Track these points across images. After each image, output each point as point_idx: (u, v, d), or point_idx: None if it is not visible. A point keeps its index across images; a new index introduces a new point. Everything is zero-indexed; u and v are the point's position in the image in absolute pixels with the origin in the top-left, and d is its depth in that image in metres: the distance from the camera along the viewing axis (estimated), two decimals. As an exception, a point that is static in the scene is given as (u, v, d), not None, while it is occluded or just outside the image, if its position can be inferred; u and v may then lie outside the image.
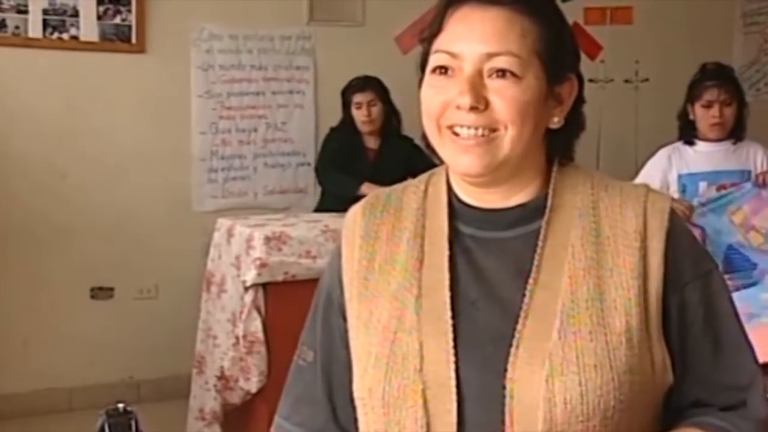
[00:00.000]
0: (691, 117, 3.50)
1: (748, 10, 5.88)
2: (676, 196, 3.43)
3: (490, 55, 1.08)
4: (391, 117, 4.37)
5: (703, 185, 3.46)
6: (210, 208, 4.64)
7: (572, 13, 5.12)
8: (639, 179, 3.38)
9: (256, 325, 3.58)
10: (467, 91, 1.07)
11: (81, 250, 4.48)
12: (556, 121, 1.14)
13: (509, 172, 1.12)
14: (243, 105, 4.89)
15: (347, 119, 4.38)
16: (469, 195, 1.17)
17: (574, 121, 1.17)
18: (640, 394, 1.07)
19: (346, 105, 4.36)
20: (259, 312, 3.59)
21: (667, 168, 3.50)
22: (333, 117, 5.01)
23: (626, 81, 5.30)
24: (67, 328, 4.51)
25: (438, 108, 1.11)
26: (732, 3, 5.89)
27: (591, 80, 5.14)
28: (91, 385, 4.43)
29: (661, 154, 3.56)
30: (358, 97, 4.32)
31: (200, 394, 3.84)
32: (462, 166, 1.11)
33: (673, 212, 1.13)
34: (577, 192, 1.15)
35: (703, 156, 3.48)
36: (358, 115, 4.32)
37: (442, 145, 1.13)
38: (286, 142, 5.02)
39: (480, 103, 1.07)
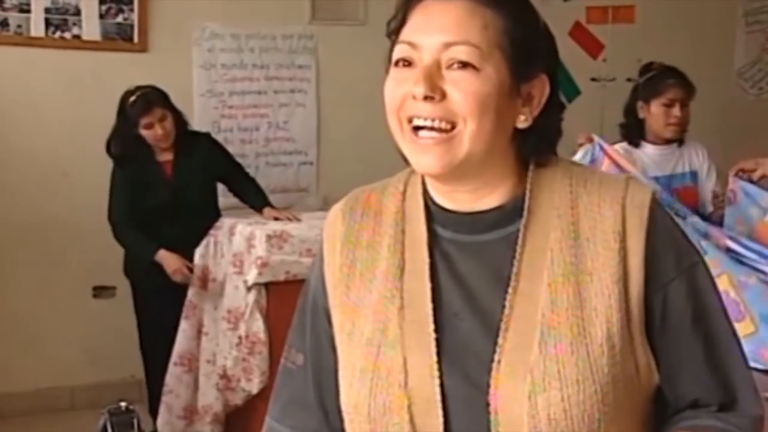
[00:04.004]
0: (641, 115, 3.39)
1: (750, 9, 5.87)
2: None
3: (448, 45, 1.05)
4: (180, 122, 3.93)
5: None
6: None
7: (574, 12, 5.15)
8: None
9: (258, 325, 3.58)
10: (421, 80, 1.05)
11: (83, 249, 4.49)
12: (522, 120, 1.09)
13: (474, 170, 1.09)
14: (245, 104, 4.89)
15: (130, 138, 3.82)
16: (442, 196, 1.14)
17: (546, 124, 1.12)
18: (626, 399, 1.06)
19: (131, 126, 3.81)
20: (261, 312, 3.59)
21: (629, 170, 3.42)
22: (335, 116, 5.03)
23: (628, 80, 5.28)
24: (69, 326, 4.51)
25: (398, 100, 1.08)
26: (734, 2, 5.88)
27: (593, 79, 5.15)
28: (93, 384, 4.44)
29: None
30: (146, 119, 3.79)
31: (184, 392, 3.84)
32: (422, 165, 1.09)
33: (653, 205, 1.09)
34: (555, 190, 1.11)
35: (656, 160, 3.40)
36: (151, 136, 3.82)
37: (403, 142, 1.10)
38: (288, 141, 5.02)
39: (435, 93, 1.05)
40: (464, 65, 1.05)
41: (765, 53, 5.83)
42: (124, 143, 3.84)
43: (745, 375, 1.12)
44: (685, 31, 5.49)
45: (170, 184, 3.89)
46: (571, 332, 1.04)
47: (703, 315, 1.10)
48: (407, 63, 1.08)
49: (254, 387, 3.59)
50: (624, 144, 3.46)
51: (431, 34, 1.07)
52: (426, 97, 1.05)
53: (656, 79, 3.41)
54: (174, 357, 3.85)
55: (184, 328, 3.85)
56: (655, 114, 3.37)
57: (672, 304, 1.08)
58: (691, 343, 1.09)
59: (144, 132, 3.82)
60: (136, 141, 3.83)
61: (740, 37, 5.88)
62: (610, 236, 1.07)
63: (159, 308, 3.91)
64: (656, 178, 3.33)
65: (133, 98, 3.81)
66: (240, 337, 3.60)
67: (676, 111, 3.34)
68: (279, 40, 4.93)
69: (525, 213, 1.11)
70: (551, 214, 1.10)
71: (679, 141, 3.42)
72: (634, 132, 3.43)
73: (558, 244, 1.08)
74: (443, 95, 1.05)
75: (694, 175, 3.41)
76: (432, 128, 1.06)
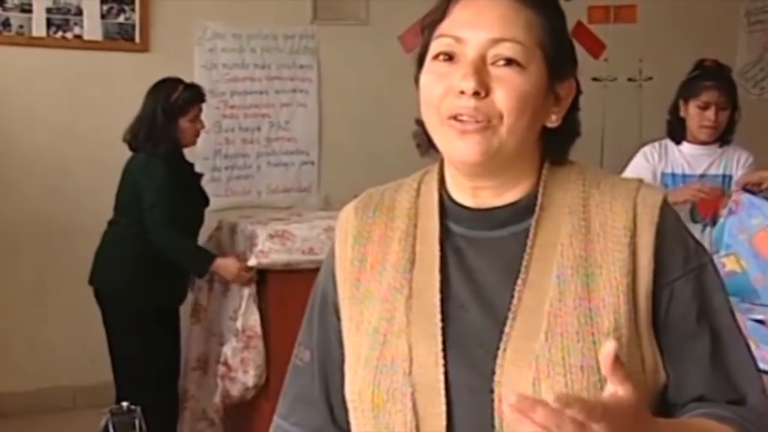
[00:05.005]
0: (682, 114, 3.39)
1: (752, 8, 5.87)
2: None
3: (495, 41, 1.06)
4: None
5: None
6: (213, 207, 4.61)
7: (576, 12, 5.14)
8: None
9: (255, 319, 3.58)
10: (471, 75, 1.05)
11: (84, 248, 4.47)
12: (553, 119, 1.12)
13: (504, 164, 1.10)
14: (246, 104, 4.90)
15: (171, 137, 3.57)
16: (462, 193, 1.15)
17: (570, 124, 1.15)
18: None
19: (175, 115, 3.58)
20: (259, 307, 3.58)
21: (656, 164, 3.41)
22: (336, 116, 5.03)
23: (630, 79, 5.29)
24: (70, 326, 4.51)
25: (439, 95, 1.08)
26: (736, 1, 5.88)
27: (594, 79, 5.14)
28: (95, 384, 4.43)
29: (647, 152, 3.47)
30: (195, 110, 3.64)
31: (203, 395, 3.82)
32: (458, 152, 1.09)
33: (664, 206, 1.11)
34: (568, 189, 1.13)
35: (688, 158, 3.40)
36: (192, 130, 3.64)
37: (441, 130, 1.10)
38: (290, 141, 5.03)
39: (482, 89, 1.05)
40: (510, 62, 1.06)
41: (767, 53, 5.83)
42: (166, 137, 3.55)
43: (753, 374, 1.11)
44: (686, 30, 5.49)
45: (198, 194, 3.77)
46: (577, 321, 1.05)
47: (708, 314, 1.10)
48: (448, 57, 1.09)
49: (250, 380, 3.59)
50: (664, 141, 3.46)
51: (478, 29, 1.07)
52: (475, 93, 1.05)
53: (695, 79, 3.39)
54: (191, 362, 3.83)
55: (196, 332, 3.85)
56: (692, 115, 3.36)
57: (677, 301, 1.09)
58: (695, 341, 1.10)
59: (186, 124, 3.60)
60: (173, 137, 3.58)
61: (742, 36, 5.88)
62: (621, 232, 1.09)
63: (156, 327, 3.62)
64: (684, 176, 3.35)
65: (182, 86, 3.61)
66: (237, 330, 3.61)
67: (710, 114, 3.31)
68: (280, 40, 4.93)
69: (537, 209, 1.12)
70: (563, 211, 1.12)
71: (722, 142, 3.39)
72: (675, 129, 3.43)
73: (568, 238, 1.10)
74: (488, 92, 1.06)
75: (728, 178, 3.38)
76: (474, 120, 1.07)
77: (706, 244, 3.07)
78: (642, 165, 3.44)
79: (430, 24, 1.13)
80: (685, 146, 3.42)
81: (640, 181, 1.15)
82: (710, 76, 3.36)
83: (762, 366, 2.17)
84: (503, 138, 1.07)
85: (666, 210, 1.11)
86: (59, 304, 4.50)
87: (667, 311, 1.09)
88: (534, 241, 1.10)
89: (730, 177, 3.38)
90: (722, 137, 3.39)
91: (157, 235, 3.48)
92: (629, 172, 3.43)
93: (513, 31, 1.07)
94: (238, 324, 3.61)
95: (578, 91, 1.15)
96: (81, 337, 4.51)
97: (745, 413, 1.09)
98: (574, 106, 1.15)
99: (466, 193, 1.15)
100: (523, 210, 1.13)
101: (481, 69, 1.06)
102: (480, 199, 1.14)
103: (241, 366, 3.61)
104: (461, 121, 1.07)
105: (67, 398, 4.49)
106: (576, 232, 1.10)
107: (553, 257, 1.09)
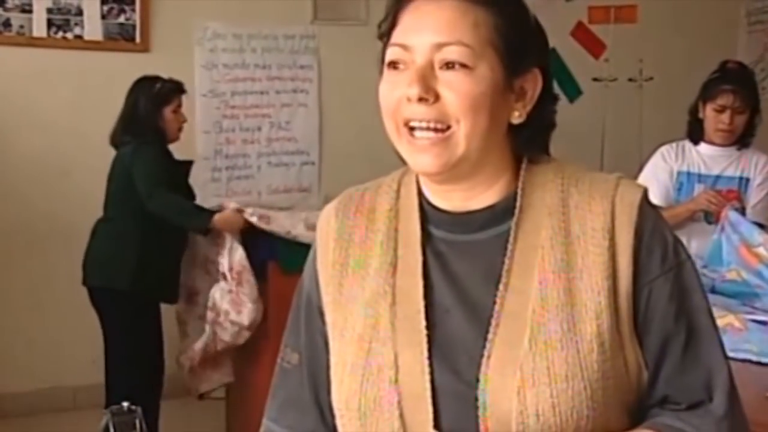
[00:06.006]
0: (701, 116, 3.38)
1: (753, 8, 5.87)
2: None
3: (440, 46, 1.06)
4: None
5: (699, 187, 3.37)
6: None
7: (576, 12, 5.15)
8: (642, 180, 3.31)
9: (240, 253, 3.55)
10: (415, 82, 1.05)
11: (84, 248, 4.48)
12: (516, 116, 1.10)
13: (470, 168, 1.10)
14: (247, 104, 4.90)
15: (156, 126, 3.64)
16: (436, 196, 1.15)
17: (540, 117, 1.13)
18: (615, 397, 1.06)
19: (160, 104, 3.66)
20: (243, 245, 3.57)
21: (673, 164, 3.42)
22: (337, 116, 5.03)
23: (630, 80, 5.30)
24: (70, 326, 4.51)
25: (393, 103, 1.09)
26: (736, 2, 5.88)
27: (595, 79, 5.15)
28: (95, 384, 4.43)
29: (665, 152, 3.46)
30: (177, 100, 3.72)
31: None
32: (419, 165, 1.09)
33: (643, 204, 1.10)
34: (547, 189, 1.12)
35: (706, 158, 3.39)
36: (175, 121, 3.70)
37: (400, 144, 1.10)
38: (290, 141, 5.03)
39: (429, 95, 1.05)
40: (455, 65, 1.06)
41: (767, 53, 5.83)
42: (151, 126, 3.63)
43: (724, 376, 1.10)
44: (687, 31, 5.49)
45: (186, 190, 3.80)
46: (561, 329, 1.05)
47: (685, 314, 1.10)
48: (399, 65, 1.09)
49: (245, 318, 3.55)
50: (683, 141, 3.45)
51: (422, 34, 1.07)
52: (420, 99, 1.05)
53: (714, 81, 3.36)
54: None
55: None
56: (708, 117, 3.35)
57: (655, 301, 1.09)
58: (670, 340, 1.09)
59: (170, 115, 3.68)
60: (158, 126, 3.65)
61: (742, 37, 5.88)
62: (600, 233, 1.08)
63: (155, 317, 3.73)
64: (700, 176, 3.35)
65: (161, 80, 3.70)
66: (224, 273, 3.57)
67: (725, 117, 3.29)
68: (281, 40, 4.93)
69: (517, 212, 1.11)
70: (542, 213, 1.11)
71: (740, 145, 3.38)
72: (694, 130, 3.42)
73: (549, 241, 1.09)
74: (437, 97, 1.06)
75: (744, 181, 3.37)
76: (428, 128, 1.07)
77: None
78: (660, 165, 3.44)
79: (383, 33, 1.13)
80: (703, 147, 3.40)
81: (620, 177, 1.14)
82: (729, 79, 3.33)
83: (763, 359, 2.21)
84: (462, 145, 1.07)
85: (644, 208, 1.10)
86: (59, 304, 4.50)
87: (646, 311, 1.09)
88: (515, 244, 1.10)
89: (747, 179, 3.37)
90: (740, 140, 3.37)
91: (156, 199, 3.50)
92: (647, 172, 3.45)
93: (458, 34, 1.06)
94: (225, 262, 3.57)
95: (548, 83, 1.13)
96: (81, 337, 4.51)
97: (701, 422, 1.08)
98: (546, 98, 1.13)
99: (439, 196, 1.15)
100: (502, 212, 1.12)
101: (427, 75, 1.06)
102: (453, 202, 1.14)
103: (233, 307, 3.56)
104: (415, 134, 1.07)
105: (67, 398, 4.49)
106: (556, 234, 1.09)
107: (534, 261, 1.08)
